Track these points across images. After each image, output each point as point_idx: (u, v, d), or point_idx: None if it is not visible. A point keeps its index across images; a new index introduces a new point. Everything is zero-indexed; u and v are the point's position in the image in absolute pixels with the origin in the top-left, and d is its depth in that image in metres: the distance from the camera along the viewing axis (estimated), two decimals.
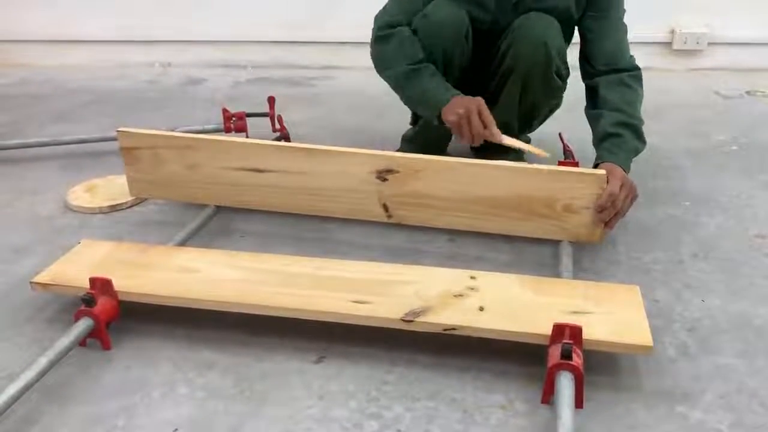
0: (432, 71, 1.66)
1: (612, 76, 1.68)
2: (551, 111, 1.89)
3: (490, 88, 1.79)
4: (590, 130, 1.68)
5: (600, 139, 1.60)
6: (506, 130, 1.62)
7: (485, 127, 1.55)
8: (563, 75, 1.75)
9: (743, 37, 3.09)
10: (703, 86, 2.93)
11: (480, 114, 1.55)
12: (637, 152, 1.60)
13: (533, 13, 1.68)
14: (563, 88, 1.78)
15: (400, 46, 1.68)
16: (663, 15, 3.09)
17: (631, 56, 1.74)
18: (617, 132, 1.58)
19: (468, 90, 1.82)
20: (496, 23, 1.73)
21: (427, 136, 1.91)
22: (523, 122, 1.85)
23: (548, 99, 1.80)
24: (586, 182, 1.47)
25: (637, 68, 1.71)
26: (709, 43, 3.11)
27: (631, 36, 3.24)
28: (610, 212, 1.46)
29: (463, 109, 1.55)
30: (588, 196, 1.47)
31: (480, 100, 1.57)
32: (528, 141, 1.99)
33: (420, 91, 1.67)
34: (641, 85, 1.69)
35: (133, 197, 1.87)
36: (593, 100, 1.71)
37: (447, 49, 1.69)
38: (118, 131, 1.68)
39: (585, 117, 1.72)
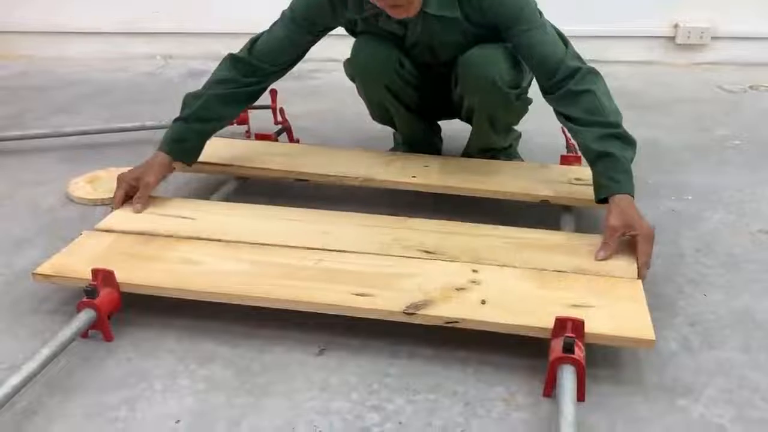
0: (181, 116, 1.64)
1: (559, 93, 1.52)
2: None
3: (462, 116, 1.81)
4: None
5: (592, 160, 1.47)
6: (490, 151, 1.81)
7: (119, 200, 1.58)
8: (524, 92, 1.70)
9: (747, 32, 3.08)
10: (706, 81, 2.92)
11: (116, 194, 1.58)
12: (631, 161, 1.47)
13: (474, 50, 1.61)
14: (529, 100, 1.74)
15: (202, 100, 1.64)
16: (666, 9, 3.08)
17: (567, 55, 1.52)
18: (606, 151, 1.43)
19: (440, 109, 1.87)
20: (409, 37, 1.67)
21: (411, 136, 1.95)
22: (506, 132, 1.87)
23: (519, 115, 1.78)
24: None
25: (578, 68, 1.50)
26: (713, 38, 3.10)
27: (635, 30, 3.25)
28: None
29: (131, 173, 1.60)
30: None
31: (128, 183, 1.58)
32: (519, 136, 1.98)
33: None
34: (594, 80, 1.50)
35: None
36: (559, 114, 1.57)
37: (388, 84, 1.70)
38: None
39: None
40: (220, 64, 1.70)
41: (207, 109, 1.64)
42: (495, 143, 1.85)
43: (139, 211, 1.56)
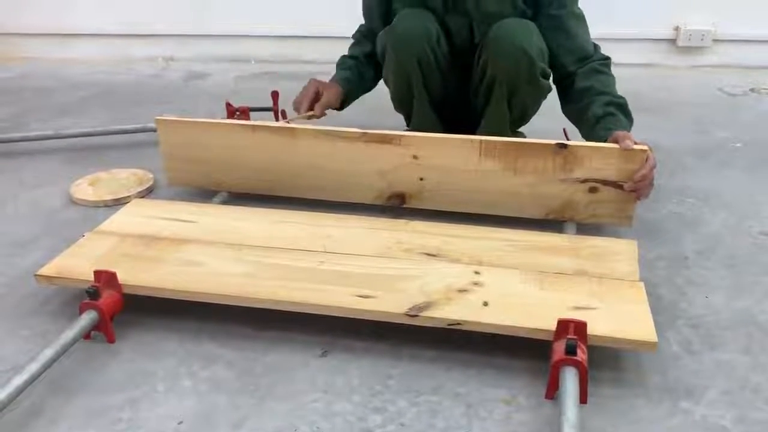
0: (344, 61, 1.96)
1: (585, 68, 1.70)
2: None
3: (478, 103, 1.80)
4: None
5: (594, 123, 1.60)
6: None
7: (301, 103, 1.82)
8: (547, 74, 1.73)
9: (748, 35, 3.08)
10: (708, 83, 2.93)
11: (306, 91, 1.82)
12: (629, 129, 1.60)
13: (507, 20, 1.67)
14: (550, 86, 1.77)
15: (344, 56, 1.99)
16: (667, 12, 3.08)
17: (597, 46, 1.75)
18: (609, 112, 1.60)
19: (464, 106, 1.86)
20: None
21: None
22: (517, 123, 1.86)
23: (537, 100, 1.79)
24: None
25: (608, 57, 1.73)
26: (714, 41, 3.10)
27: (636, 33, 3.25)
28: (648, 184, 1.50)
29: (311, 86, 1.84)
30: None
31: (317, 86, 1.83)
32: (523, 137, 1.99)
33: None
34: (611, 73, 1.71)
35: (137, 191, 1.88)
36: (570, 96, 1.71)
37: (420, 57, 1.70)
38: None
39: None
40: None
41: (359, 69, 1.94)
42: (503, 128, 1.82)
43: (318, 117, 1.82)
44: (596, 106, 1.62)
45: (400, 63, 1.74)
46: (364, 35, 1.97)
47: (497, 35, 1.66)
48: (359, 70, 1.93)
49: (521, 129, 1.93)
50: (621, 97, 1.65)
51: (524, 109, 1.81)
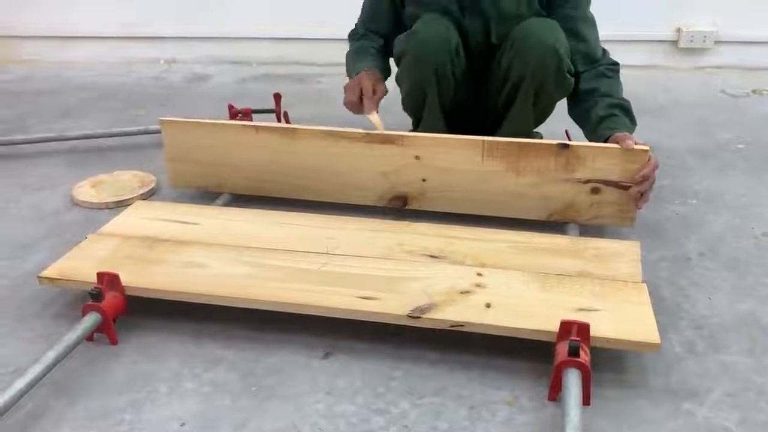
0: (364, 49, 1.85)
1: (591, 71, 1.70)
2: None
3: (499, 104, 1.79)
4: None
5: (596, 124, 1.61)
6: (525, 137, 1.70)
7: (360, 100, 1.68)
8: (572, 71, 1.73)
9: (750, 36, 3.08)
10: (709, 85, 2.93)
11: (361, 86, 1.69)
12: (632, 131, 1.60)
13: (531, 19, 1.67)
14: (572, 84, 1.76)
15: (358, 45, 1.89)
16: (669, 13, 3.09)
17: (606, 51, 1.75)
18: (611, 113, 1.60)
19: (472, 110, 1.86)
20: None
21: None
22: (537, 123, 1.85)
23: (562, 96, 1.78)
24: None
25: (616, 63, 1.72)
26: (716, 42, 3.10)
27: (637, 34, 3.24)
28: (649, 184, 1.50)
29: (356, 81, 1.71)
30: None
31: (373, 78, 1.72)
32: (540, 137, 1.98)
33: (347, 66, 1.86)
34: (619, 78, 1.71)
35: (139, 193, 1.88)
36: (576, 96, 1.71)
37: (438, 68, 1.69)
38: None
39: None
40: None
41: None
42: (527, 127, 1.81)
43: (370, 112, 1.67)
44: (600, 108, 1.62)
45: (417, 71, 1.72)
46: (366, 33, 1.91)
47: (524, 34, 1.65)
48: (383, 59, 1.87)
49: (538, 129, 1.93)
50: (626, 100, 1.65)
51: (547, 108, 1.80)
